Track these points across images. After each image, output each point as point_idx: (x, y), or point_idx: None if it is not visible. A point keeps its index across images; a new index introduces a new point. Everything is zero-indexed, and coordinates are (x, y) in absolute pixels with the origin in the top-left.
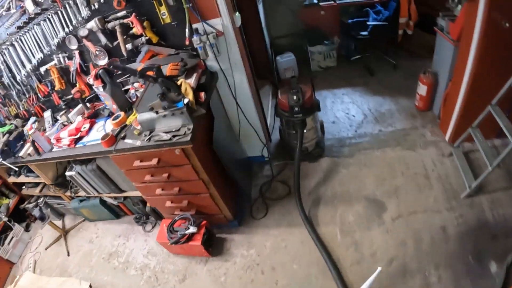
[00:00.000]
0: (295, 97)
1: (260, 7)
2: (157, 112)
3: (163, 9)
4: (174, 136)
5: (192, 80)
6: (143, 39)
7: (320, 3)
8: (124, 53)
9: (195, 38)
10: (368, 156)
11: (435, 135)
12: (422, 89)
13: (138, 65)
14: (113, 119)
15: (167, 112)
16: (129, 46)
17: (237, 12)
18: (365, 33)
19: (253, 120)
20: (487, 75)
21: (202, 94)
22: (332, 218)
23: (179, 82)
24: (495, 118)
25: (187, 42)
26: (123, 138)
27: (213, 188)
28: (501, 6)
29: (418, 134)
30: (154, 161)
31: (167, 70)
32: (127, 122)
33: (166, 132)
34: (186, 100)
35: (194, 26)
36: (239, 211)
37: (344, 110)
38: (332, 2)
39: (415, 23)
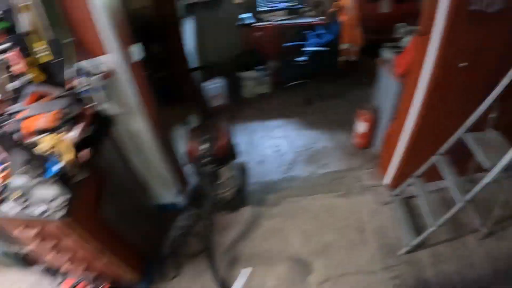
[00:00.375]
0: (204, 146)
1: (189, 28)
2: (30, 177)
3: (42, 45)
4: (48, 209)
5: (74, 134)
6: (28, 77)
7: (256, 24)
8: (6, 93)
9: (79, 80)
10: (295, 206)
11: (373, 178)
12: (361, 127)
13: (22, 109)
14: (1, 171)
15: (40, 179)
16: (15, 83)
17: (136, 44)
18: (302, 58)
19: (160, 168)
20: (436, 119)
21: (86, 152)
22: (250, 281)
23: (57, 138)
24: (441, 172)
25: (71, 84)
26: (3, 200)
27: (109, 255)
28: (457, 43)
29: (354, 177)
30: (35, 230)
31: (47, 120)
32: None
33: (42, 202)
34: (60, 165)
35: (80, 64)
36: (148, 271)
37: (274, 146)
38: (269, 23)
39: (361, 49)
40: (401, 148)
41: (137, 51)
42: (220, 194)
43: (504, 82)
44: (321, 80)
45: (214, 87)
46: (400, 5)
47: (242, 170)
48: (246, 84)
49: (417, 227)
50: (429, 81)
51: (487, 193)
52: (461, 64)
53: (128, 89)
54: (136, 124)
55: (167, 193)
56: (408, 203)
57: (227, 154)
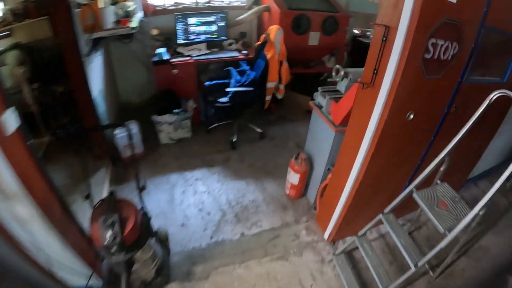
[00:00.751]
0: (109, 234)
1: (97, 66)
2: None
3: None
4: None
5: None
6: None
7: (172, 60)
8: None
9: None
10: (228, 277)
11: (311, 232)
12: (293, 178)
13: None
14: None
15: None
16: None
17: (12, 109)
18: (225, 99)
19: (63, 252)
20: (382, 172)
21: None
22: None
23: None
24: (389, 232)
25: None
26: None
27: None
28: (408, 94)
29: (291, 234)
30: None
31: None
32: None
33: None
34: None
35: None
36: None
37: (197, 204)
38: (188, 58)
39: (288, 84)
40: (342, 202)
41: (12, 119)
42: (139, 277)
43: (459, 135)
44: (246, 120)
45: (127, 134)
46: (328, 38)
47: (163, 241)
48: (163, 130)
49: (365, 283)
50: (375, 134)
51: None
52: (410, 116)
53: (4, 170)
54: (23, 210)
55: (78, 276)
56: (351, 256)
57: (141, 236)
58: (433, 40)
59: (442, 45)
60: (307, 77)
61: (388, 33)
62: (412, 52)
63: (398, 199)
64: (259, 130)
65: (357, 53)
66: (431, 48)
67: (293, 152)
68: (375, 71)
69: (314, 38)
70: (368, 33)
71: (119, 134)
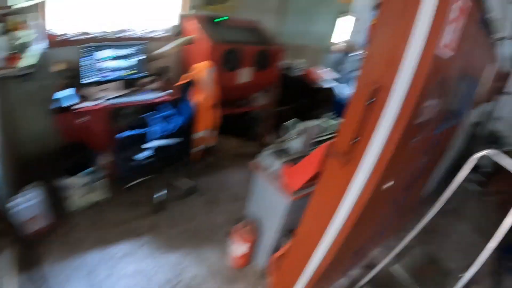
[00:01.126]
0: None
1: None
2: None
3: None
4: None
5: None
6: None
7: (79, 106)
8: None
9: None
10: None
11: None
12: (239, 249)
13: None
14: None
15: None
16: None
17: None
18: (144, 155)
19: None
20: (355, 241)
21: None
22: None
23: None
24: None
25: None
26: None
27: None
28: (394, 163)
29: None
30: None
31: None
32: None
33: None
34: None
35: None
36: None
37: None
38: (99, 101)
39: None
40: (309, 273)
41: None
42: None
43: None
44: (171, 171)
45: (28, 205)
46: (261, 73)
47: None
48: (73, 194)
49: None
50: (354, 210)
51: None
52: (388, 184)
53: None
54: None
55: None
56: None
57: None
58: (427, 102)
59: (431, 106)
60: (235, 116)
61: (378, 94)
62: (410, 118)
63: (375, 270)
64: (187, 183)
65: (285, 88)
66: (423, 111)
67: (229, 207)
68: (355, 144)
69: (246, 74)
70: (294, 64)
71: (21, 202)
